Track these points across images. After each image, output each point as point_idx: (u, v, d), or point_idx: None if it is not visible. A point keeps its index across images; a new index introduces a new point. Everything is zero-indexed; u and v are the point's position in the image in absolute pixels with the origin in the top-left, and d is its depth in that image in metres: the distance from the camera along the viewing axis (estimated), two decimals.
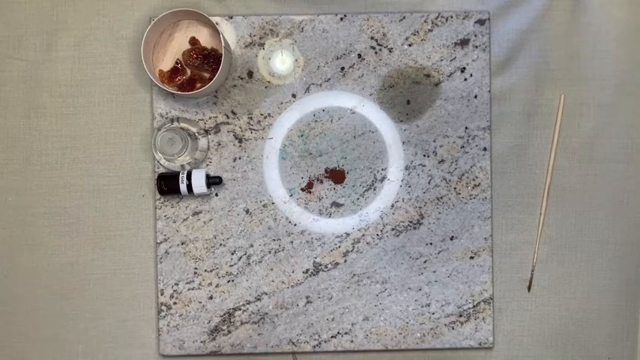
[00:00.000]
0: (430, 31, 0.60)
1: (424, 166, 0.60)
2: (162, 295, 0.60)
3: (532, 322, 0.61)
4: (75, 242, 0.61)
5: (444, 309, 0.60)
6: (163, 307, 0.60)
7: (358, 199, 0.60)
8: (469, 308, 0.60)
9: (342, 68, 0.60)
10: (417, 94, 0.60)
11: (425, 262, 0.60)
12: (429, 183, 0.60)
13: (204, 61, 0.58)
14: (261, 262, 0.60)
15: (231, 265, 0.60)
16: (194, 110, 0.60)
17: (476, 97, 0.60)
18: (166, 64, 0.59)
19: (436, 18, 0.60)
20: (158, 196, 0.60)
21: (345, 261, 0.60)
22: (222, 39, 0.56)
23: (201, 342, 0.60)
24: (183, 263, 0.60)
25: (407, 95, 0.60)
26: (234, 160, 0.60)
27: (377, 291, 0.60)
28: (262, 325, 0.60)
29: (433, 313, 0.60)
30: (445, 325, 0.60)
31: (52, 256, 0.61)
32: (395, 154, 0.60)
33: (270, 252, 0.60)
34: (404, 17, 0.60)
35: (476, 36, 0.60)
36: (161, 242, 0.60)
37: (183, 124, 0.59)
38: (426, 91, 0.60)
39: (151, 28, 0.56)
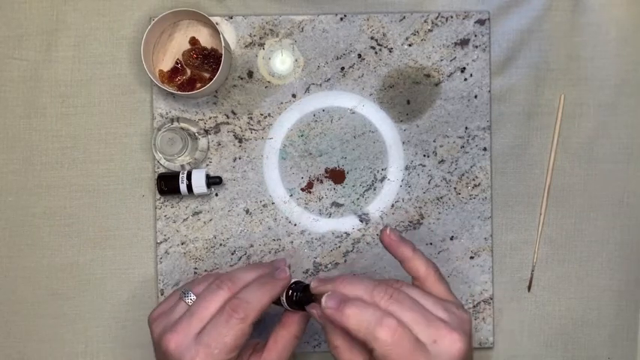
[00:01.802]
0: (430, 31, 0.60)
1: (424, 166, 0.60)
2: (162, 295, 0.60)
3: (532, 322, 0.61)
4: (75, 242, 0.61)
5: None
6: None
7: (358, 199, 0.60)
8: (469, 308, 0.60)
9: (342, 68, 0.60)
10: (417, 94, 0.60)
11: None
12: (429, 183, 0.60)
13: (204, 61, 0.58)
14: (261, 262, 0.60)
15: (231, 265, 0.60)
16: (194, 110, 0.60)
17: (476, 97, 0.60)
18: (166, 64, 0.59)
19: (436, 18, 0.60)
20: (158, 196, 0.60)
21: (345, 261, 0.60)
22: (222, 39, 0.56)
23: None
24: (184, 263, 0.60)
25: (407, 95, 0.60)
26: (234, 160, 0.60)
27: None
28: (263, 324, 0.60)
29: None
30: None
31: (52, 256, 0.61)
32: (395, 154, 0.60)
33: (270, 252, 0.60)
34: (404, 17, 0.60)
35: (476, 36, 0.60)
36: (161, 242, 0.60)
37: (183, 124, 0.59)
38: (426, 91, 0.60)
39: (151, 28, 0.56)
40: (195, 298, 0.48)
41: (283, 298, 0.48)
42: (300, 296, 0.47)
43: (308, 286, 0.47)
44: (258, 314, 0.45)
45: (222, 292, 0.46)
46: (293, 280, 0.49)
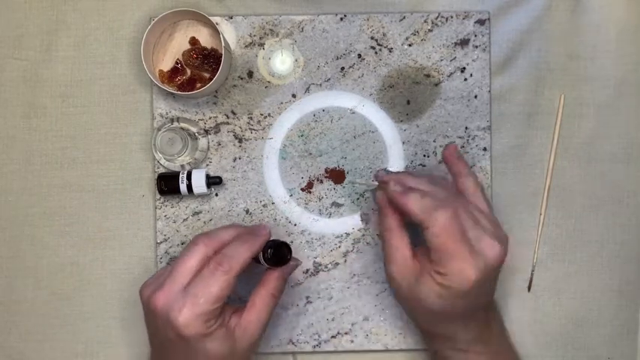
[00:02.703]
0: (430, 31, 0.60)
1: (424, 166, 0.60)
2: None
3: (532, 322, 0.61)
4: (75, 242, 0.61)
5: None
6: None
7: (358, 199, 0.60)
8: None
9: (342, 68, 0.60)
10: (417, 94, 0.60)
11: None
12: None
13: (204, 61, 0.58)
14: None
15: None
16: (194, 110, 0.60)
17: (476, 97, 0.60)
18: (166, 64, 0.59)
19: (436, 18, 0.60)
20: (158, 196, 0.60)
21: (345, 261, 0.60)
22: (222, 39, 0.56)
23: None
24: None
25: (407, 95, 0.61)
26: (234, 160, 0.60)
27: (377, 291, 0.60)
28: None
29: None
30: None
31: (52, 256, 0.61)
32: (395, 154, 0.60)
33: None
34: (404, 17, 0.60)
35: (476, 36, 0.60)
36: (161, 242, 0.60)
37: (183, 124, 0.59)
38: (426, 91, 0.60)
39: (151, 28, 0.57)
40: None
41: (260, 256, 0.51)
42: (274, 252, 0.50)
43: (283, 243, 0.51)
44: (242, 268, 0.48)
45: (199, 247, 0.49)
46: (272, 239, 0.52)
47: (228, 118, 0.60)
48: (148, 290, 0.49)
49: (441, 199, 0.48)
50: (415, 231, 0.51)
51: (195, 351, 0.48)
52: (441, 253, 0.47)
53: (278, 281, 0.52)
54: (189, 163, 0.59)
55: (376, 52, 0.60)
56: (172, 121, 0.59)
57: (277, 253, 0.51)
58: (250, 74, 0.61)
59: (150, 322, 0.50)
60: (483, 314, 0.52)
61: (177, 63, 0.59)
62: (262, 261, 0.51)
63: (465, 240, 0.47)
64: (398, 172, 0.53)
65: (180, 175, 0.58)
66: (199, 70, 0.59)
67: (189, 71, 0.59)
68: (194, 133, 0.59)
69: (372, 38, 0.60)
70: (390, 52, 0.60)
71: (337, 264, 0.60)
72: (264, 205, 0.60)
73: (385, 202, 0.52)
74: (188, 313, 0.46)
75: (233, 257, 0.48)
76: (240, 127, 0.61)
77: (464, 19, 0.60)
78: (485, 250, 0.47)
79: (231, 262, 0.47)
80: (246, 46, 0.61)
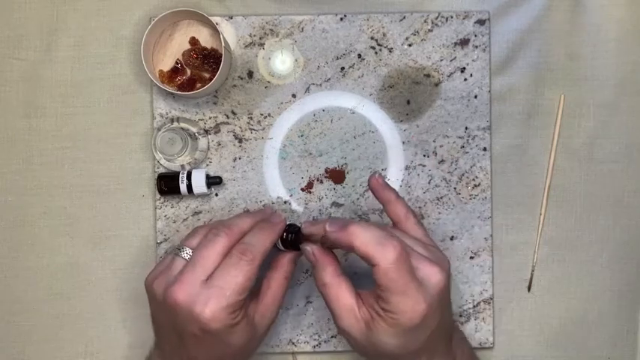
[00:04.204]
0: (430, 31, 0.60)
1: (424, 166, 0.60)
2: None
3: (532, 322, 0.61)
4: (75, 242, 0.61)
5: None
6: None
7: (358, 199, 0.60)
8: (469, 308, 0.60)
9: (342, 68, 0.60)
10: (417, 94, 0.60)
11: None
12: (429, 183, 0.60)
13: (204, 61, 0.58)
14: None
15: None
16: (194, 110, 0.60)
17: (476, 97, 0.60)
18: (166, 64, 0.59)
19: (436, 18, 0.60)
20: (158, 196, 0.60)
21: (346, 260, 0.60)
22: (222, 39, 0.56)
23: None
24: None
25: (407, 95, 0.61)
26: (234, 160, 0.60)
27: None
28: None
29: None
30: None
31: (52, 256, 0.61)
32: (395, 154, 0.60)
33: None
34: (404, 17, 0.60)
35: (476, 36, 0.60)
36: (161, 242, 0.60)
37: (183, 124, 0.59)
38: (426, 91, 0.60)
39: (151, 28, 0.57)
40: (191, 251, 0.49)
41: (279, 239, 0.52)
42: (294, 237, 0.51)
43: (300, 229, 0.51)
44: (263, 257, 0.48)
45: (221, 239, 0.48)
46: (288, 223, 0.53)
47: (228, 118, 0.60)
48: (161, 285, 0.47)
49: (382, 231, 0.44)
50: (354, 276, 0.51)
51: (218, 343, 0.47)
52: (390, 291, 0.43)
53: (290, 264, 0.51)
54: (189, 163, 0.59)
55: (376, 52, 0.60)
56: (172, 121, 0.59)
57: (297, 239, 0.51)
58: (250, 74, 0.61)
59: (165, 316, 0.48)
60: (444, 345, 0.49)
61: (177, 63, 0.59)
62: (280, 246, 0.52)
63: (412, 274, 0.44)
64: (325, 219, 0.48)
65: (180, 175, 0.58)
66: (199, 70, 0.59)
67: (189, 71, 0.59)
68: (194, 133, 0.59)
69: (372, 38, 0.60)
70: (390, 52, 0.60)
71: None
72: (264, 205, 0.60)
73: (319, 254, 0.48)
74: (215, 306, 0.44)
75: (255, 246, 0.47)
76: (240, 127, 0.61)
77: (464, 19, 0.60)
78: (427, 279, 0.45)
79: (254, 251, 0.47)
80: (246, 46, 0.61)
